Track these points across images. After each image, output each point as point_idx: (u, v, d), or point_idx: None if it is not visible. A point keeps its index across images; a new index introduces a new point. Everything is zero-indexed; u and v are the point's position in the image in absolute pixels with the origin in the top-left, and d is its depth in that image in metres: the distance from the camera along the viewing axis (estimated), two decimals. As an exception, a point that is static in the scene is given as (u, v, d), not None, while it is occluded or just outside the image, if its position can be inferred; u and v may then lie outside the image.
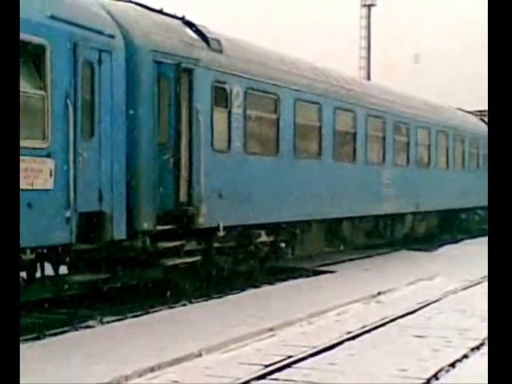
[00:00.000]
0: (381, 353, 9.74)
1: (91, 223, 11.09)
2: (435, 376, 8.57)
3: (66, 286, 11.57)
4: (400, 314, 12.41)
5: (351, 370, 8.80)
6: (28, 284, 10.78)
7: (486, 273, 16.37)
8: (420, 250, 23.16)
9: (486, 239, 24.83)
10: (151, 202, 12.28)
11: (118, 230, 11.59)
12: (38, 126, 10.11)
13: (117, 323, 11.35)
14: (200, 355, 9.35)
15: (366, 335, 10.81)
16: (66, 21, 10.61)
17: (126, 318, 11.80)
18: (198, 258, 13.54)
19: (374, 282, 15.92)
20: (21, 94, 9.55)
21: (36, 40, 10.02)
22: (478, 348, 10.02)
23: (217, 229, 13.83)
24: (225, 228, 13.99)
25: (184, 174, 12.88)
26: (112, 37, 11.59)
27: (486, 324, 10.64)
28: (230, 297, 13.93)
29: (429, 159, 24.69)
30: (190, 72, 13.03)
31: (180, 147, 12.76)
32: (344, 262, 19.54)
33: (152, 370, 8.57)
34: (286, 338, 10.55)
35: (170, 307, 12.60)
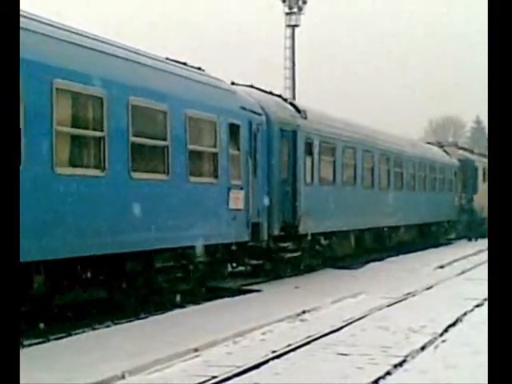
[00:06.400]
0: (305, 371, 9.83)
1: (253, 229, 18.34)
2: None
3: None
4: (325, 332, 12.50)
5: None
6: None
7: (409, 290, 17.99)
8: (345, 267, 23.88)
9: (412, 255, 29.35)
10: (278, 216, 19.63)
11: (264, 234, 18.92)
12: (237, 171, 17.36)
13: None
14: (123, 377, 9.27)
15: (291, 354, 10.85)
16: (246, 109, 17.95)
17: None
18: (300, 253, 20.90)
19: (300, 300, 16.08)
20: (231, 154, 16.93)
21: (237, 122, 17.32)
22: (400, 365, 10.12)
23: (305, 235, 21.20)
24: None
25: (293, 199, 20.26)
26: (260, 115, 18.92)
27: (408, 341, 11.74)
28: (154, 317, 13.96)
29: (414, 185, 32.52)
30: (295, 134, 20.46)
31: (291, 182, 20.18)
32: (269, 281, 19.96)
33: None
34: (211, 358, 10.53)
35: (94, 329, 12.62)
